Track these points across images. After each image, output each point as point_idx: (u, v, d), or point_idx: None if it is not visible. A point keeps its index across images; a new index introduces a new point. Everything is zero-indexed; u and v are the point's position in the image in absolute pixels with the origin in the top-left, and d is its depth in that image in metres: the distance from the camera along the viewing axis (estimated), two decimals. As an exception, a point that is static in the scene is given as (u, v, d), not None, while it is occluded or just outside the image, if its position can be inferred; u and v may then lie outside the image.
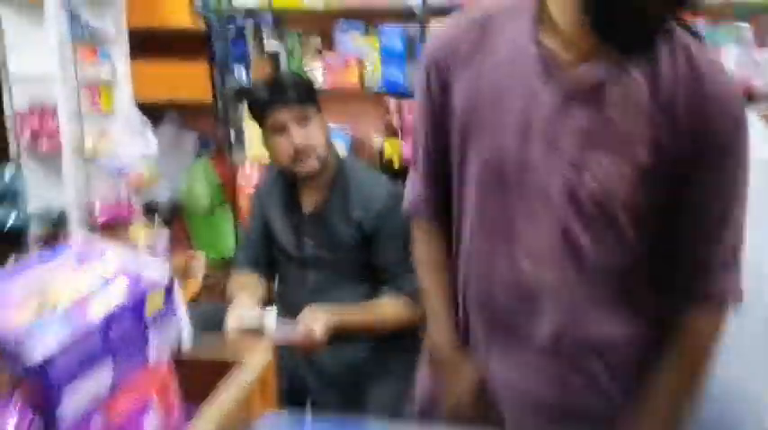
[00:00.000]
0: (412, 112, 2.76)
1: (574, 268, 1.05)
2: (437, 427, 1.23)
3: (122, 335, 0.77)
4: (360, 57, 2.97)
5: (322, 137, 1.80)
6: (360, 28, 2.99)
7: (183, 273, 2.69)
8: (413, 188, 1.23)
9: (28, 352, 0.70)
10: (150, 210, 3.03)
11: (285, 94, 1.76)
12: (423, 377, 1.31)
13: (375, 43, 2.94)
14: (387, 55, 2.90)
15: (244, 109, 3.09)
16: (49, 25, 2.71)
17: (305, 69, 3.04)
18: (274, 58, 3.12)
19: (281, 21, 3.14)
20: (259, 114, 1.81)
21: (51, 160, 2.96)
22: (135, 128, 2.69)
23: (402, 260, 1.67)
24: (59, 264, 0.82)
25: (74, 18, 2.81)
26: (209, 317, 1.82)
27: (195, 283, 2.78)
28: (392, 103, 3.02)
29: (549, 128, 1.02)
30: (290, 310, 1.81)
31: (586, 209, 1.02)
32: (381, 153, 3.04)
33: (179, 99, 3.39)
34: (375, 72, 2.95)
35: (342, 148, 2.81)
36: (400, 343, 1.81)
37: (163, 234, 2.66)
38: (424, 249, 1.25)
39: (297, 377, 1.88)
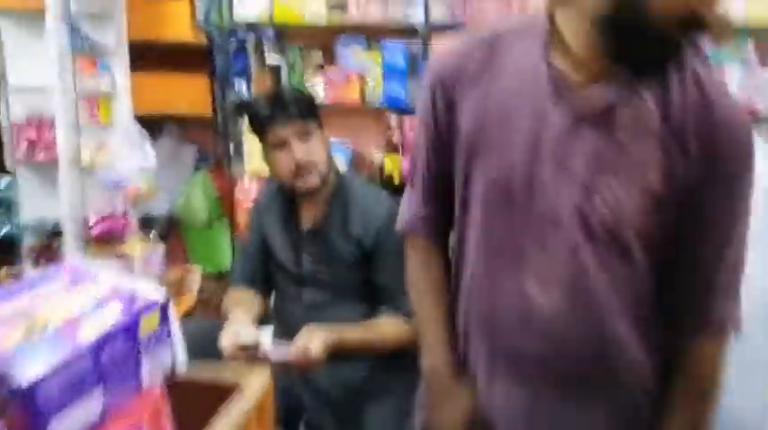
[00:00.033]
0: (413, 129, 2.74)
1: (583, 294, 1.03)
2: None
3: (114, 358, 0.74)
4: (361, 72, 2.96)
5: (323, 152, 1.78)
6: (362, 43, 2.99)
7: (179, 288, 2.65)
8: (409, 206, 1.21)
9: (15, 375, 0.67)
10: (147, 223, 3.00)
11: (287, 109, 1.75)
12: (422, 403, 1.28)
13: (377, 58, 2.93)
14: (389, 71, 2.90)
15: (243, 123, 3.07)
16: (49, 37, 2.70)
17: (306, 84, 3.03)
18: (275, 72, 3.12)
19: (283, 35, 3.13)
20: (260, 129, 1.79)
21: (47, 171, 2.95)
22: (133, 141, 2.67)
23: (401, 279, 1.64)
24: (51, 287, 0.79)
25: (74, 30, 2.80)
26: (204, 333, 1.79)
27: (190, 298, 2.74)
28: (393, 118, 3.01)
29: (558, 149, 1.00)
30: (286, 328, 1.78)
31: (597, 235, 1.01)
32: (381, 168, 3.02)
33: (179, 112, 3.38)
34: (377, 87, 2.94)
35: (342, 163, 2.79)
36: (399, 362, 1.77)
37: (159, 248, 2.63)
38: (420, 270, 1.22)
39: (292, 395, 1.85)
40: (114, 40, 2.93)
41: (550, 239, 1.02)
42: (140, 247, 2.54)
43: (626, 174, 0.99)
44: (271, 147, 1.78)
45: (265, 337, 1.68)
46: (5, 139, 3.06)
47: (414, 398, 1.31)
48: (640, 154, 0.98)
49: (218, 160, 3.49)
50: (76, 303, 0.76)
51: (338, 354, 1.67)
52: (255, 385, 0.88)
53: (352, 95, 2.97)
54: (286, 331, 1.75)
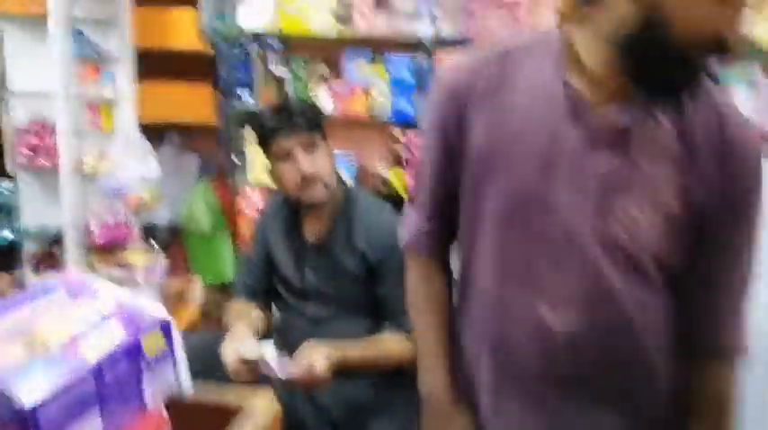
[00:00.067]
0: (418, 143, 2.73)
1: (602, 317, 1.01)
2: None
3: (117, 379, 0.72)
4: (366, 85, 2.95)
5: (329, 164, 1.77)
6: (367, 56, 2.98)
7: (180, 298, 2.64)
8: (412, 223, 1.19)
9: (16, 396, 0.65)
10: (149, 232, 2.98)
11: (292, 121, 1.74)
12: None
13: (382, 72, 2.92)
14: (395, 85, 2.89)
15: (247, 133, 3.06)
16: (52, 42, 2.69)
17: (311, 95, 3.02)
18: (280, 83, 3.10)
19: (288, 46, 3.12)
20: (265, 141, 1.78)
21: (49, 177, 2.93)
22: (136, 149, 2.66)
23: (404, 295, 1.62)
24: (50, 299, 0.77)
25: (77, 36, 2.79)
26: (207, 345, 1.77)
27: (192, 309, 2.72)
28: (399, 132, 2.99)
29: (573, 168, 0.99)
30: (288, 341, 1.76)
31: (613, 253, 0.99)
32: (386, 182, 3.01)
33: (183, 121, 3.37)
34: (382, 101, 2.93)
35: (346, 176, 2.77)
36: (402, 379, 1.75)
37: (160, 257, 2.62)
38: (420, 284, 1.20)
39: (294, 412, 1.82)
40: (118, 46, 2.92)
41: (565, 259, 1.01)
42: (142, 257, 2.52)
43: (643, 195, 0.98)
44: (276, 159, 1.76)
45: (267, 351, 1.66)
46: (7, 144, 3.05)
47: (416, 417, 1.29)
48: (657, 175, 0.97)
49: (221, 170, 3.47)
50: (78, 319, 0.74)
51: (341, 372, 1.65)
52: (263, 410, 0.85)
53: (357, 108, 2.96)
54: (288, 345, 1.72)
